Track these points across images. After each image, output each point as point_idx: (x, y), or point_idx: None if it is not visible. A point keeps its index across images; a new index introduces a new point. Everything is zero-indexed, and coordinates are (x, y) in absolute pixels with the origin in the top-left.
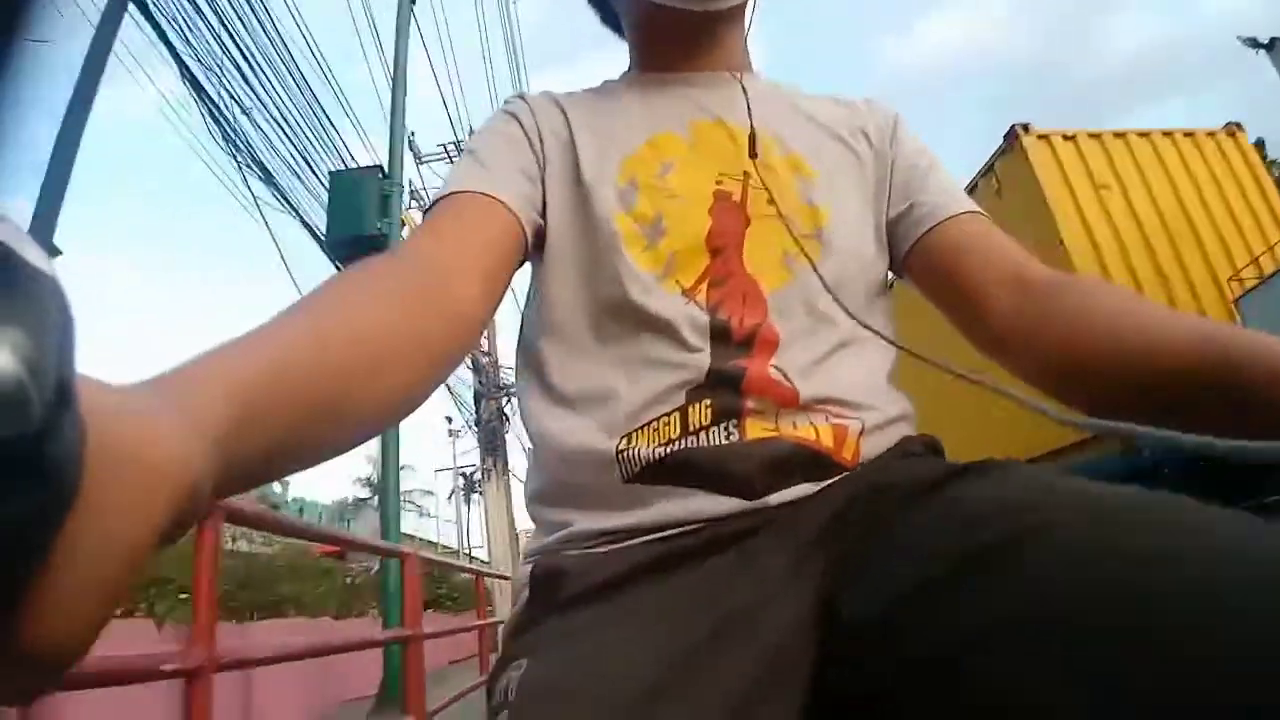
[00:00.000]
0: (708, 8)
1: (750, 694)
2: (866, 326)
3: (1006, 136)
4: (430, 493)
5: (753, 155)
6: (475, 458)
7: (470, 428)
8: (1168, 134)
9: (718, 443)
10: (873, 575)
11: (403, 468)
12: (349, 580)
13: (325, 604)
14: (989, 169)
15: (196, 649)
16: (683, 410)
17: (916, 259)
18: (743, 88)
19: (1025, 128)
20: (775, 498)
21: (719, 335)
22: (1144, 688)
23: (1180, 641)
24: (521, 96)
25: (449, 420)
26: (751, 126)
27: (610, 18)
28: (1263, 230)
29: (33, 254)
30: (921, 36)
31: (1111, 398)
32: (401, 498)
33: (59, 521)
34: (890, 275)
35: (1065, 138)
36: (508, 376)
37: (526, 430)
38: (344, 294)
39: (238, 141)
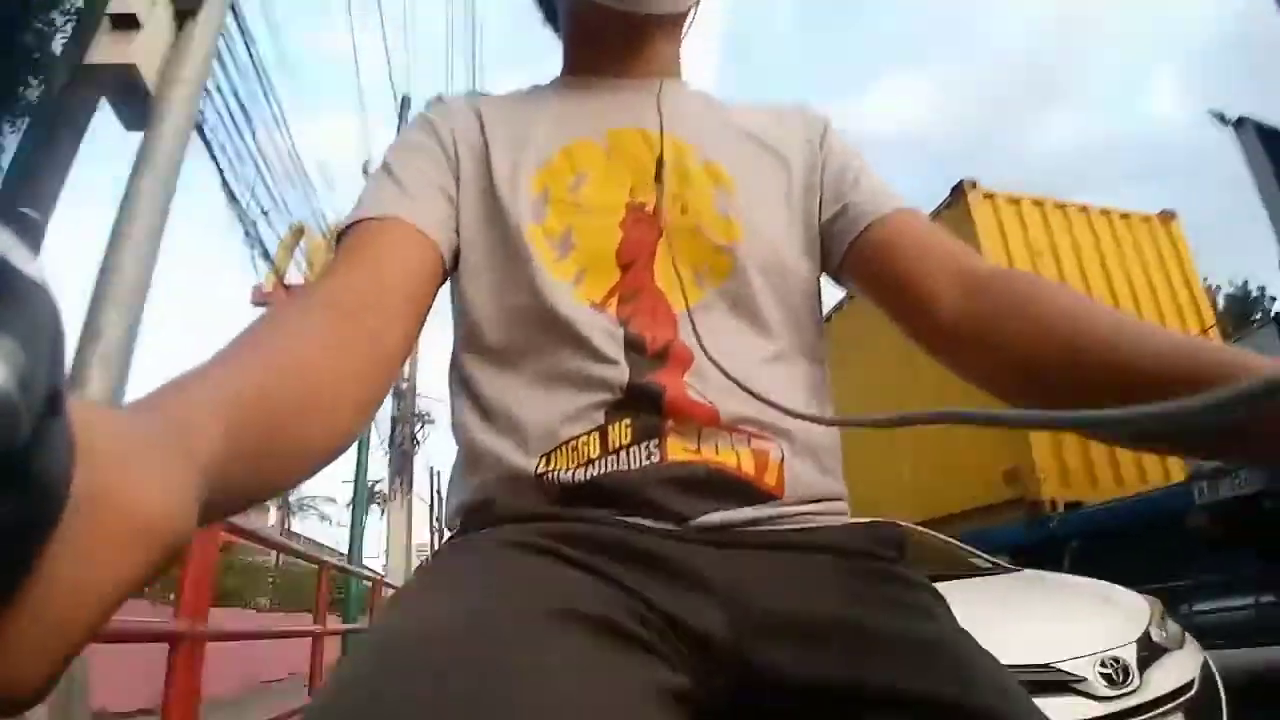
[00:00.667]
0: (645, 10)
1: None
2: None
3: (953, 190)
4: (332, 500)
5: (658, 179)
6: (381, 472)
7: (384, 449)
8: (1105, 212)
9: (639, 463)
10: (810, 656)
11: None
12: (270, 580)
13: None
14: (934, 217)
15: (188, 621)
16: (602, 430)
17: (854, 259)
18: (658, 97)
19: (973, 184)
20: (700, 521)
21: (632, 348)
22: None
23: None
24: (440, 98)
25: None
26: (661, 143)
27: (552, 16)
28: (1183, 317)
29: (25, 262)
30: (872, 100)
31: (1069, 397)
32: (303, 502)
33: (43, 537)
34: (828, 298)
35: (1010, 200)
36: (423, 404)
37: (456, 442)
38: (269, 339)
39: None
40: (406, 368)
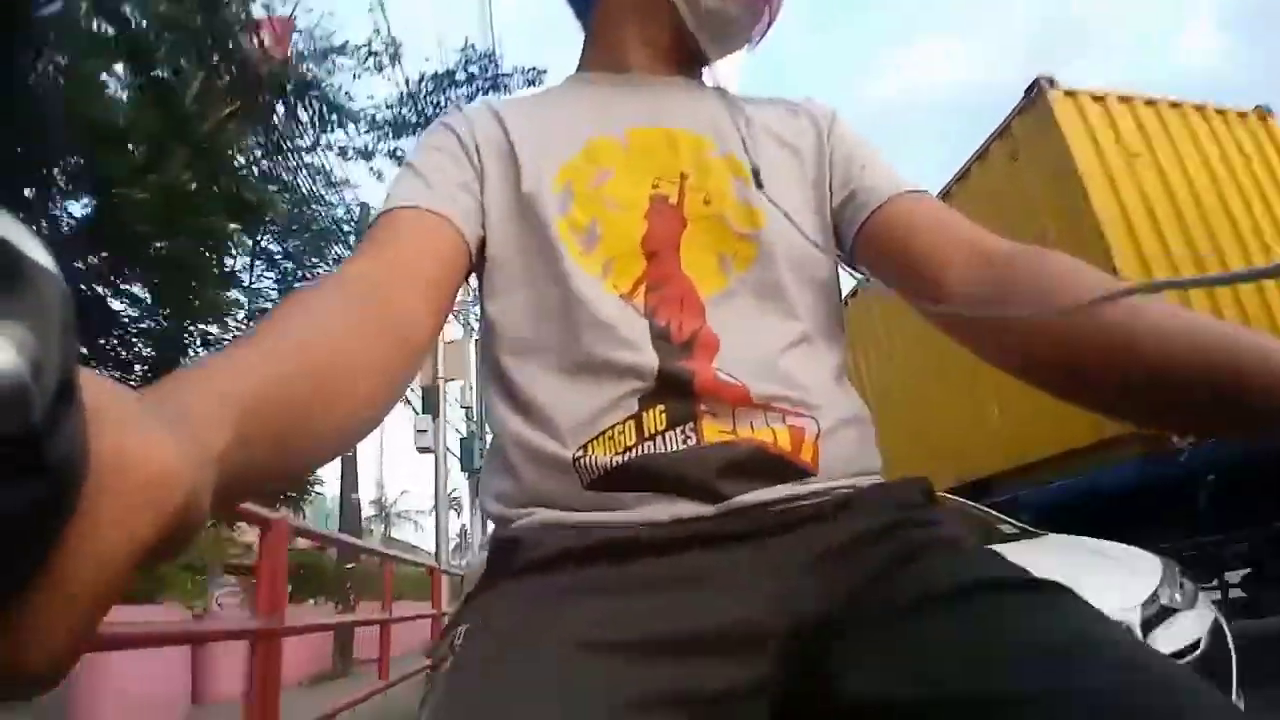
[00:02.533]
0: (710, 54)
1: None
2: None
3: (1028, 91)
4: (423, 511)
5: (681, 172)
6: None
7: (463, 470)
8: (1199, 108)
9: (675, 448)
10: (875, 663)
11: (404, 492)
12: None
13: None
14: (1004, 130)
15: (264, 618)
16: (637, 417)
17: (866, 243)
18: (673, 96)
19: (1051, 81)
20: (737, 501)
21: (659, 338)
22: None
23: None
24: (458, 109)
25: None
26: (674, 129)
27: (580, 6)
28: None
29: (36, 250)
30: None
31: (1087, 379)
32: (404, 515)
33: (60, 522)
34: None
35: (1094, 98)
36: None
37: (492, 433)
38: (297, 324)
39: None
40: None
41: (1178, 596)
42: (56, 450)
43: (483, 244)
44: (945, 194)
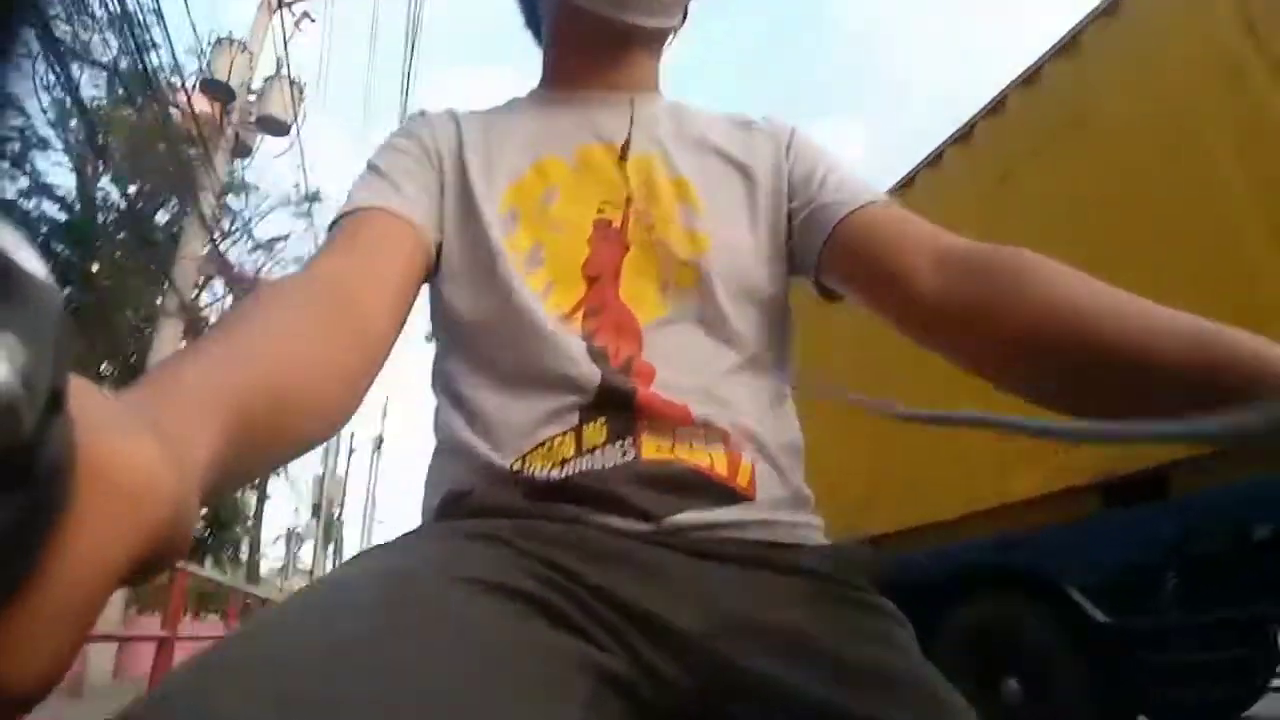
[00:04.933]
0: (629, 20)
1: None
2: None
3: None
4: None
5: (623, 157)
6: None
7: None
8: None
9: (614, 462)
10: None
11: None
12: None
13: None
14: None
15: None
16: (577, 430)
17: (830, 258)
18: (631, 113)
19: None
20: (671, 521)
21: (597, 360)
22: None
23: None
24: (422, 112)
25: None
26: (623, 149)
27: (534, 21)
28: None
29: (30, 260)
30: None
31: (1061, 380)
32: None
33: (46, 535)
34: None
35: None
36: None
37: (436, 438)
38: (266, 329)
39: None
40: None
41: None
42: (47, 462)
43: (438, 249)
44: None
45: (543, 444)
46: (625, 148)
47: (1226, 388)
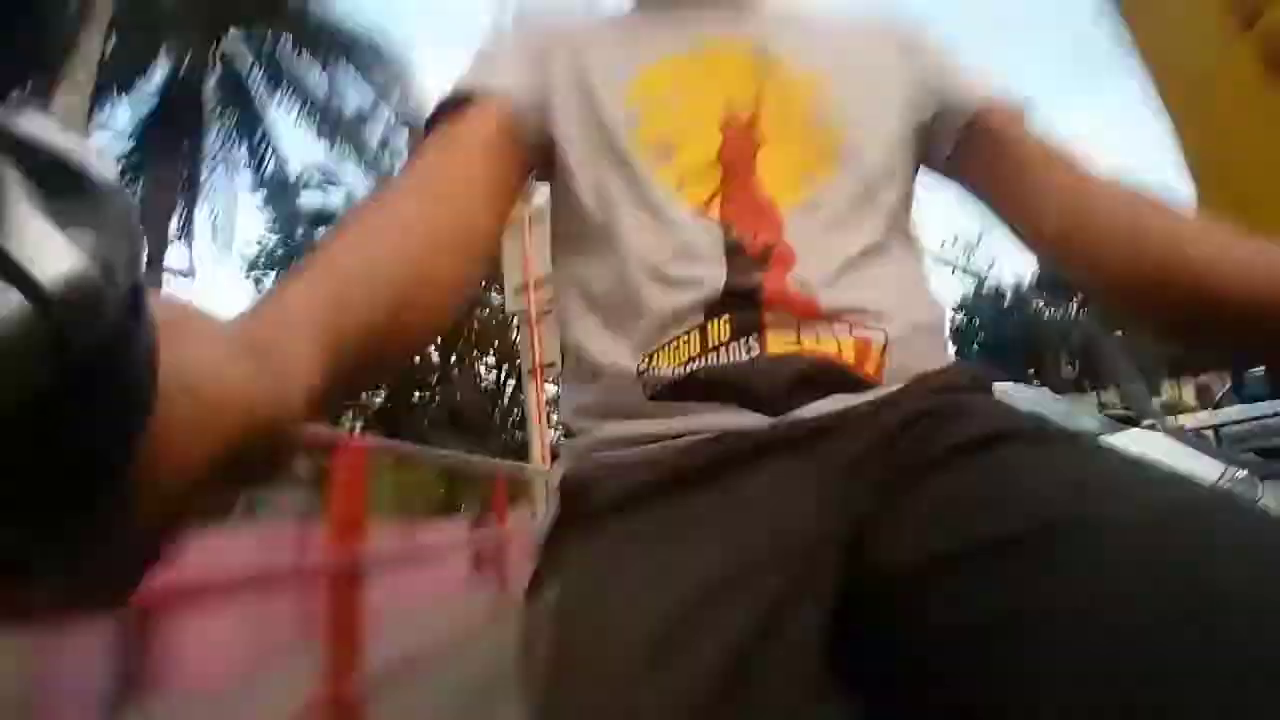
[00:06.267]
0: None
1: (776, 617)
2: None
3: None
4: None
5: (752, 52)
6: None
7: None
8: None
9: (738, 358)
10: (906, 530)
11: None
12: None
13: None
14: None
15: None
16: (702, 328)
17: (960, 158)
18: (745, 12)
19: None
20: (799, 413)
21: (733, 251)
22: (1180, 696)
23: (1210, 656)
24: (527, 10)
25: None
26: (749, 42)
27: None
28: None
29: (95, 160)
30: None
31: (1171, 315)
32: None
33: (135, 439)
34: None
35: None
36: None
37: (563, 339)
38: (364, 232)
39: None
40: None
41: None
42: (131, 362)
43: (550, 143)
44: None
45: (669, 342)
46: (752, 43)
47: None
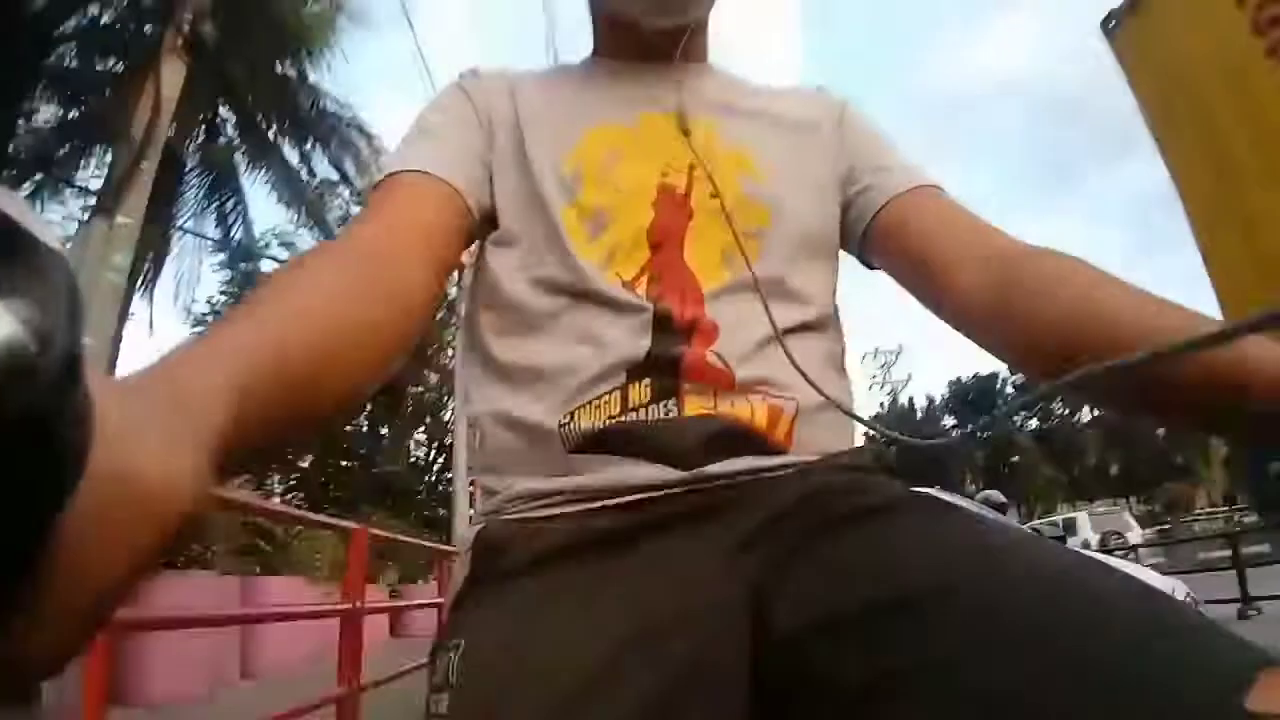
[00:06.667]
0: (657, 25)
1: (686, 680)
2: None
3: None
4: None
5: (684, 131)
6: None
7: None
8: None
9: (656, 418)
10: (799, 593)
11: None
12: None
13: None
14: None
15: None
16: (623, 389)
17: (874, 239)
18: (682, 82)
19: None
20: (710, 469)
21: (660, 323)
22: None
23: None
24: (474, 70)
25: None
26: (683, 118)
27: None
28: None
29: (42, 230)
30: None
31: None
32: None
33: (61, 505)
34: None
35: None
36: None
37: (469, 405)
38: (296, 290)
39: None
40: None
41: None
42: (62, 430)
43: (486, 213)
44: None
45: (590, 401)
46: (684, 117)
47: (1246, 386)
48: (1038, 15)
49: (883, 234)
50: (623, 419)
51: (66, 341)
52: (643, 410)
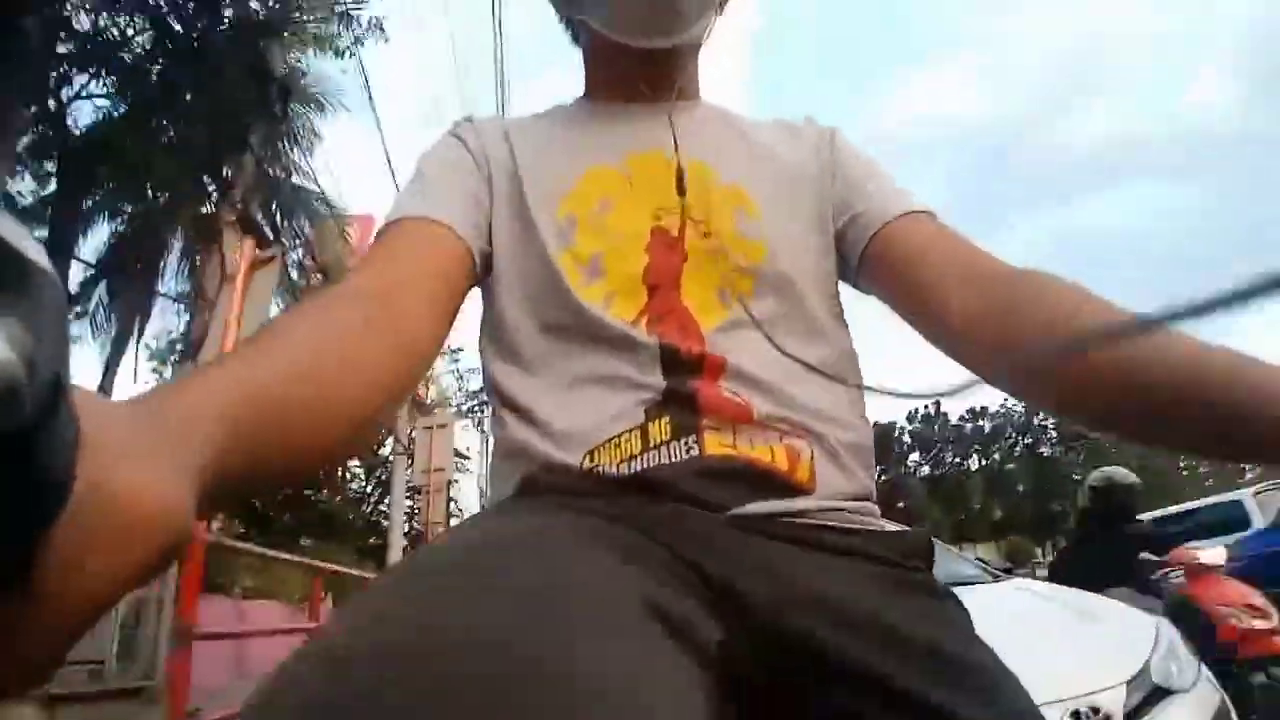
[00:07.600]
0: (650, 45)
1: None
2: (809, 366)
3: None
4: None
5: (681, 193)
6: None
7: None
8: None
9: (679, 457)
10: (793, 598)
11: None
12: None
13: None
14: None
15: None
16: (643, 427)
17: (868, 266)
18: (675, 120)
19: None
20: (734, 512)
21: (668, 359)
22: None
23: None
24: (469, 119)
25: None
26: (679, 165)
27: (577, 37)
28: None
29: (32, 249)
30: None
31: (1087, 398)
32: None
33: (47, 523)
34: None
35: None
36: None
37: (494, 436)
38: (296, 328)
39: None
40: None
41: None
42: (47, 450)
43: (488, 258)
44: None
45: (609, 440)
46: (676, 156)
47: (1247, 414)
48: (963, 71)
49: (876, 261)
50: (644, 458)
51: (53, 364)
52: (664, 448)
